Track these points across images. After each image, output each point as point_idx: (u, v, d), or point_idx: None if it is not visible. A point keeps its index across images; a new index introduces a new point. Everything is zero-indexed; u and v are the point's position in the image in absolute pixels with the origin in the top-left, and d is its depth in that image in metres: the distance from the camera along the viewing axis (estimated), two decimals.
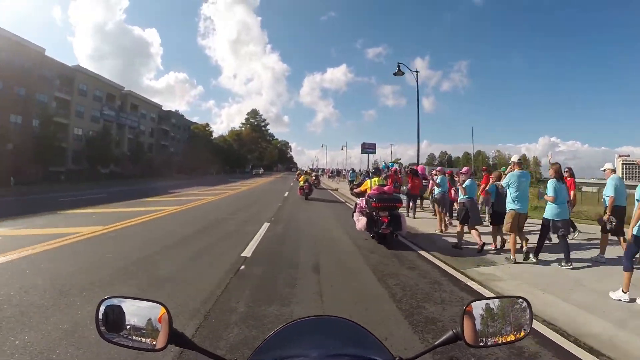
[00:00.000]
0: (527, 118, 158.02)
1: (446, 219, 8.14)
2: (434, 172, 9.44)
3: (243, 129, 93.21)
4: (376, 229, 6.18)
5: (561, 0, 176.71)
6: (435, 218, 8.49)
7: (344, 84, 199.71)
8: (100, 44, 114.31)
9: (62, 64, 33.90)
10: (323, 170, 55.80)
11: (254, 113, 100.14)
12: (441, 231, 7.72)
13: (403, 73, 12.80)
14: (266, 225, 8.21)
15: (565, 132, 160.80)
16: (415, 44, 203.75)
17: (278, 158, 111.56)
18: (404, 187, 11.17)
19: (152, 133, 51.79)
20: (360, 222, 6.47)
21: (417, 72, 13.17)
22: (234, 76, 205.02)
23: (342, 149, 43.03)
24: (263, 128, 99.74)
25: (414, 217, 9.89)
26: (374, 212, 6.30)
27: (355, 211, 7.13)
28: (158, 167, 47.71)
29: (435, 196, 8.32)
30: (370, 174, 8.32)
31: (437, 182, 8.22)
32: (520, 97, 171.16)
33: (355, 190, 8.40)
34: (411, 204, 10.30)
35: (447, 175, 8.99)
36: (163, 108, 56.56)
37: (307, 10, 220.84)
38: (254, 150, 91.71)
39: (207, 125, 73.19)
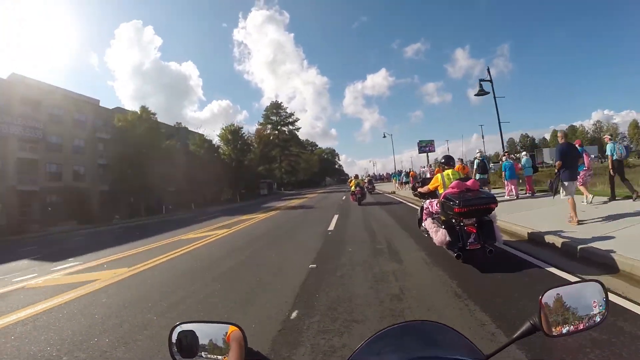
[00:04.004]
0: (574, 95, 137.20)
1: None
2: None
3: (265, 131, 62.86)
4: (460, 243, 4.30)
5: None
6: None
7: (385, 88, 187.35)
8: (141, 84, 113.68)
9: None
10: (401, 173, 35.00)
11: (275, 107, 67.01)
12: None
13: None
14: None
15: (617, 102, 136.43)
16: (453, 35, 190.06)
17: (320, 170, 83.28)
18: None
19: (84, 148, 34.19)
20: (439, 235, 4.58)
21: None
22: (276, 96, 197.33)
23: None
24: (291, 127, 67.42)
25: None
26: (453, 220, 4.52)
27: (421, 218, 5.68)
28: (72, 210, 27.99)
29: None
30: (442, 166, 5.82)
31: None
32: (565, 74, 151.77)
33: (419, 189, 6.15)
34: None
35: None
36: (101, 104, 35.88)
37: (338, 18, 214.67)
38: (275, 160, 61.42)
39: (150, 112, 35.09)
